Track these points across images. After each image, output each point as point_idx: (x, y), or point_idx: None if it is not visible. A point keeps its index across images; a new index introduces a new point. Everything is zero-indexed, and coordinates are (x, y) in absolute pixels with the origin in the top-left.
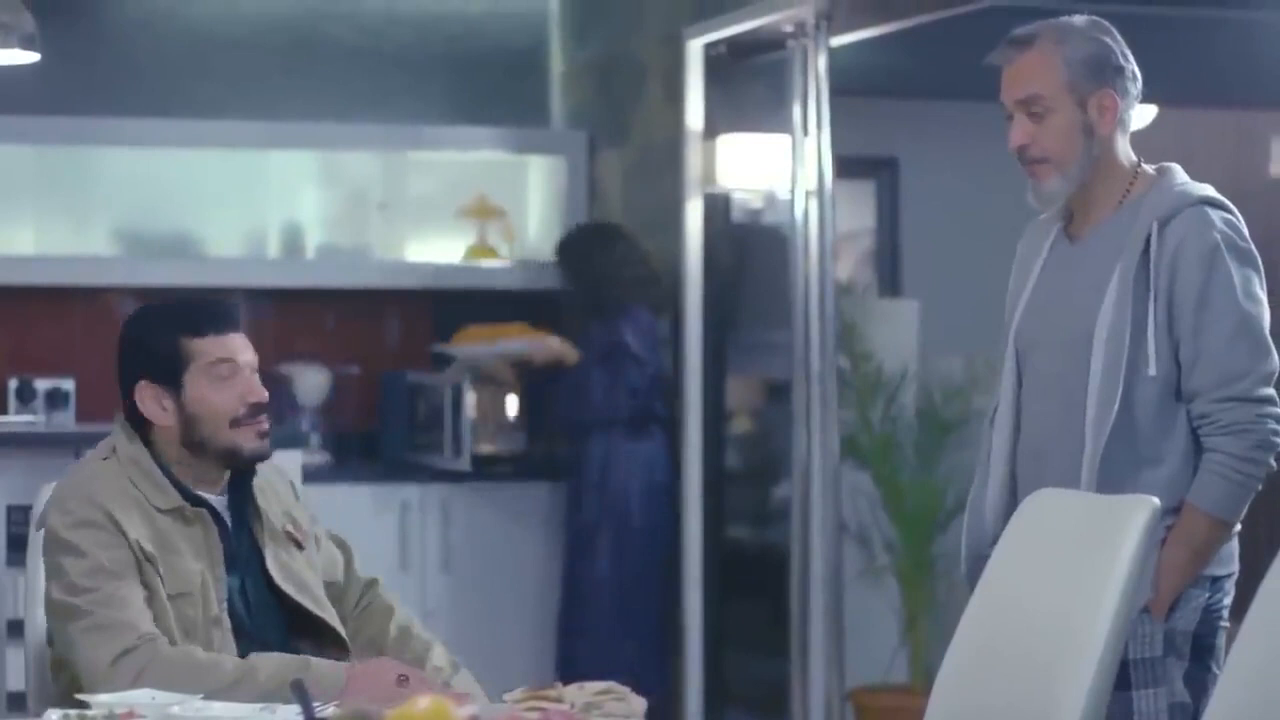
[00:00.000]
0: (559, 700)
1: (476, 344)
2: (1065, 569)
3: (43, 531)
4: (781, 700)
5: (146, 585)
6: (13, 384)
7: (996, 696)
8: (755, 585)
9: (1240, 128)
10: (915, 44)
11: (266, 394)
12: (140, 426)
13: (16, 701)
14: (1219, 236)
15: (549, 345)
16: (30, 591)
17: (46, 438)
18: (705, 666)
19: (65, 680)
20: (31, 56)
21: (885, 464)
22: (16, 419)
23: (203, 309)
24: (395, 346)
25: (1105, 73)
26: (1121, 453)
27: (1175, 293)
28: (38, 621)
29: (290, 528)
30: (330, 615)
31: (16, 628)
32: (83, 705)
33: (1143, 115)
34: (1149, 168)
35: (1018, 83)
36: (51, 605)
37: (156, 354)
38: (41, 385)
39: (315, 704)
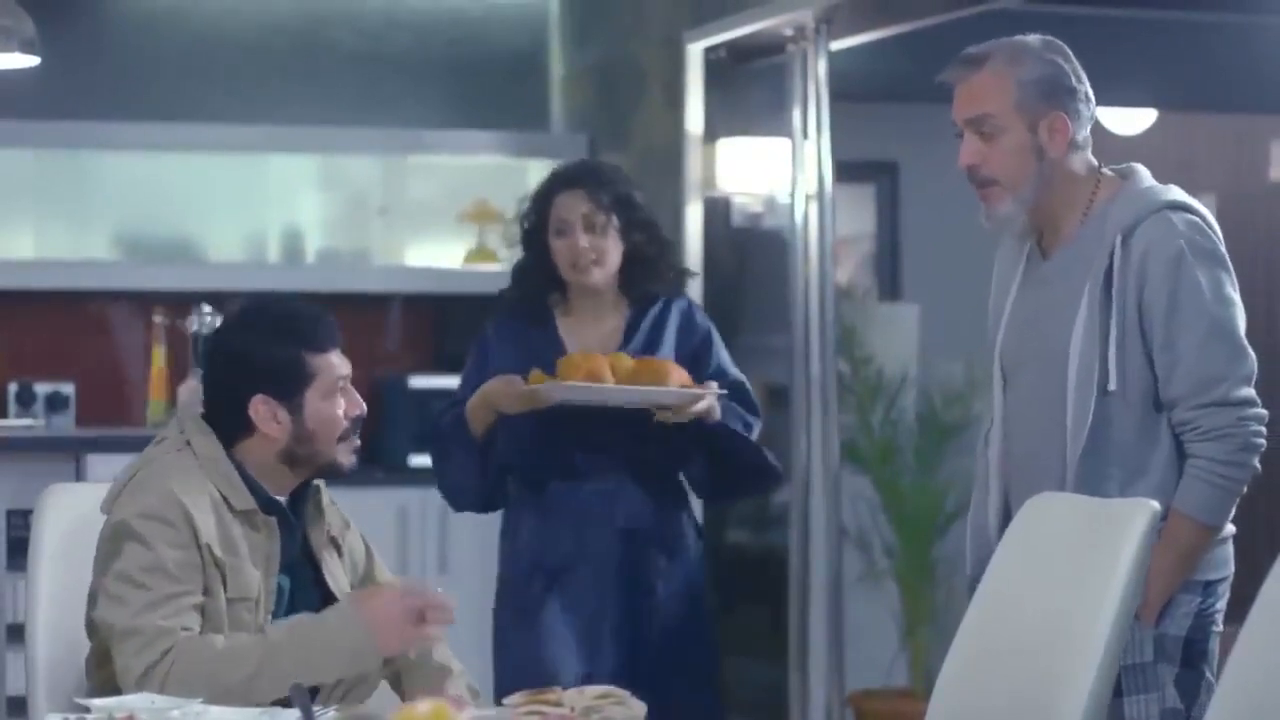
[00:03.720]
0: (559, 704)
1: (608, 382)
2: (1065, 572)
3: (106, 516)
4: (781, 704)
5: (206, 590)
6: (12, 388)
7: (997, 700)
8: (755, 589)
9: (1240, 132)
10: (915, 48)
11: (365, 407)
12: (233, 432)
13: (17, 706)
14: (1183, 242)
15: (701, 405)
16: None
17: (46, 442)
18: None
19: (103, 677)
20: (31, 60)
21: (885, 468)
22: (16, 423)
23: (319, 323)
24: (395, 351)
25: (1057, 95)
26: (1101, 469)
27: (1144, 303)
28: (39, 625)
29: (334, 532)
30: None
31: (17, 632)
32: (83, 709)
33: (1143, 120)
34: (1110, 171)
35: (968, 102)
36: (101, 591)
37: (278, 368)
38: (41, 389)
39: (315, 708)
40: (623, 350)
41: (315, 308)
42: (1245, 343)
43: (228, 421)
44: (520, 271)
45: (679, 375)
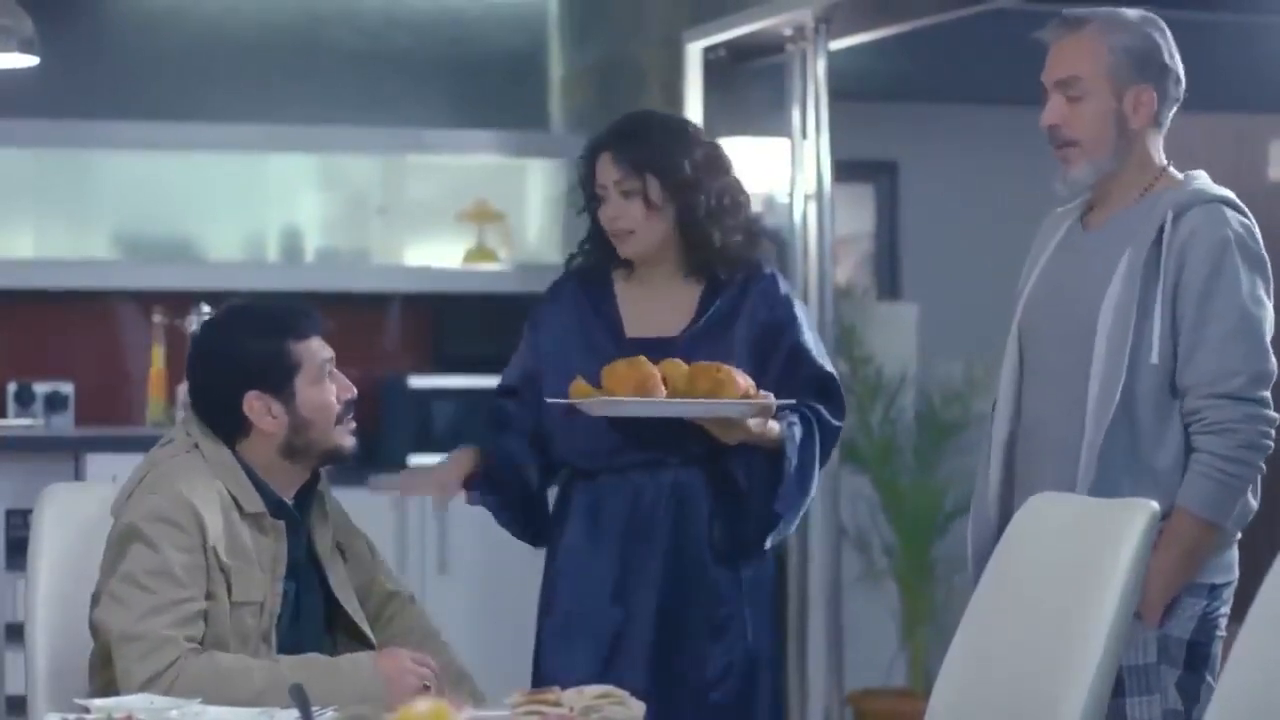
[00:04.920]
0: (557, 704)
1: (659, 395)
2: (1064, 571)
3: (115, 519)
4: (780, 704)
5: (212, 594)
6: (11, 388)
7: (996, 699)
8: None
9: (1239, 131)
10: (914, 48)
11: (355, 389)
12: (231, 433)
13: (16, 705)
14: (1230, 234)
15: (756, 424)
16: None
17: (45, 441)
18: None
19: (106, 679)
20: (30, 60)
21: (884, 467)
22: (15, 423)
23: (297, 311)
24: (394, 350)
25: (1149, 68)
26: (1121, 443)
27: (1181, 283)
28: (39, 624)
29: (339, 537)
30: (368, 628)
31: (16, 631)
32: (82, 709)
33: None
34: (1176, 172)
35: (1060, 63)
36: (106, 592)
37: (265, 362)
38: (40, 389)
39: (314, 708)
40: (689, 331)
41: (290, 299)
42: (1269, 348)
43: (223, 424)
44: (585, 240)
45: (742, 383)
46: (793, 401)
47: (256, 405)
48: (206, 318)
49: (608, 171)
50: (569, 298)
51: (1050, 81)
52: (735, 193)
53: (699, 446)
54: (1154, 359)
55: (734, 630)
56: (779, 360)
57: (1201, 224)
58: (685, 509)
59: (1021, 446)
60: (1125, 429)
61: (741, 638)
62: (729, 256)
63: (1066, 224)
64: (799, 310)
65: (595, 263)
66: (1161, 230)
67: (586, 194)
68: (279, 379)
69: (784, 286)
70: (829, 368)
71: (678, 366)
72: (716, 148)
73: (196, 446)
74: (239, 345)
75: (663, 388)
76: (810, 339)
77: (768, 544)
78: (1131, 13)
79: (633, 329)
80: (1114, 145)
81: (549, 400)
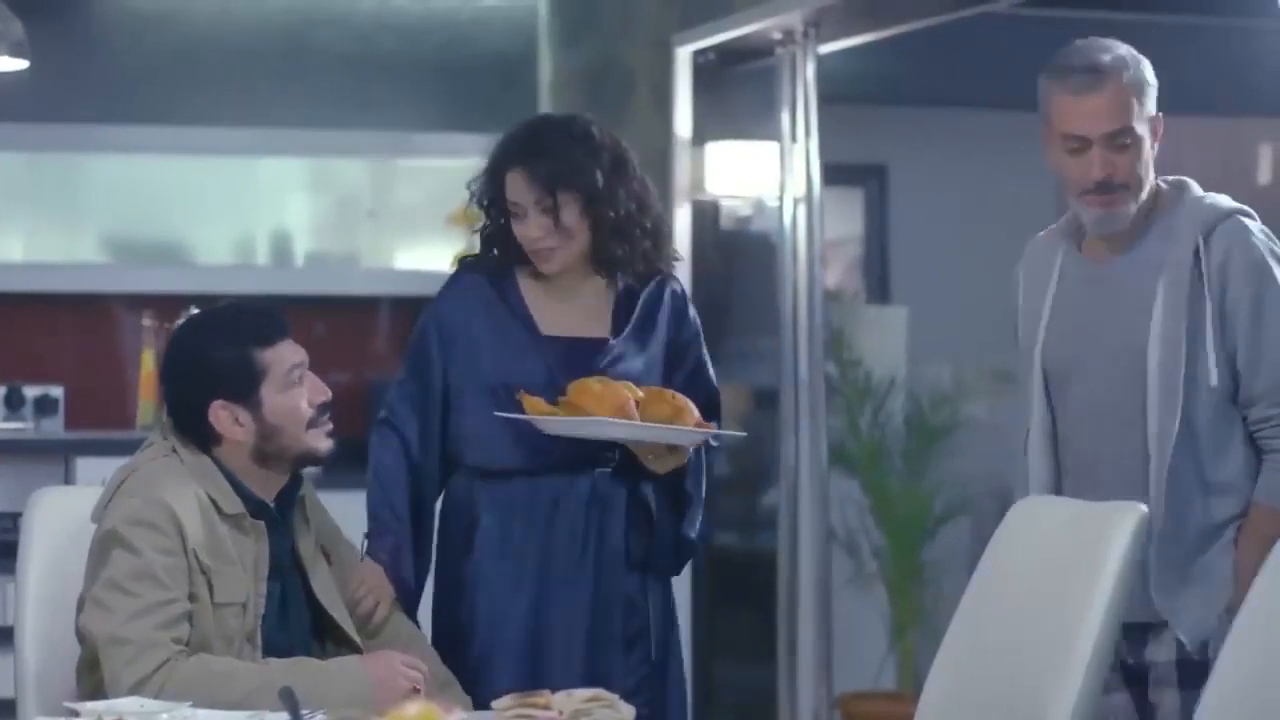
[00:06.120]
0: (547, 707)
1: (634, 418)
2: (1053, 574)
3: (96, 525)
4: (770, 707)
5: (194, 595)
6: (1, 391)
7: (986, 702)
8: (743, 592)
9: (1228, 135)
10: (904, 51)
11: (330, 391)
12: (203, 441)
13: (5, 709)
14: (1263, 249)
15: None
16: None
17: (35, 445)
18: (694, 673)
19: (93, 684)
20: (21, 64)
21: (873, 471)
22: (5, 426)
23: (262, 317)
24: (384, 353)
25: (1155, 96)
26: (1187, 464)
27: (1226, 303)
28: (28, 628)
29: (323, 541)
30: (354, 632)
31: (5, 635)
32: (72, 713)
33: None
34: (1161, 182)
35: (1103, 117)
36: (90, 598)
37: (229, 370)
38: (30, 392)
39: (303, 711)
40: (621, 336)
41: (259, 303)
42: None
43: (195, 432)
44: (486, 238)
45: (696, 413)
46: (743, 434)
47: (222, 415)
48: (177, 327)
49: (522, 190)
50: (474, 289)
51: (1096, 135)
52: (641, 192)
53: (617, 454)
54: (1213, 381)
55: (642, 645)
56: (683, 375)
57: (1232, 244)
58: (605, 517)
59: (1072, 483)
60: (1188, 451)
61: (647, 652)
62: (638, 267)
63: (1060, 252)
64: (699, 327)
65: (500, 260)
66: (1196, 254)
67: (495, 209)
68: (243, 387)
69: (691, 307)
70: (715, 386)
71: (633, 390)
72: (617, 142)
73: (174, 451)
74: (203, 355)
75: (636, 411)
76: (707, 357)
77: (684, 569)
78: (1121, 45)
79: (546, 327)
80: (1149, 179)
81: (498, 415)
